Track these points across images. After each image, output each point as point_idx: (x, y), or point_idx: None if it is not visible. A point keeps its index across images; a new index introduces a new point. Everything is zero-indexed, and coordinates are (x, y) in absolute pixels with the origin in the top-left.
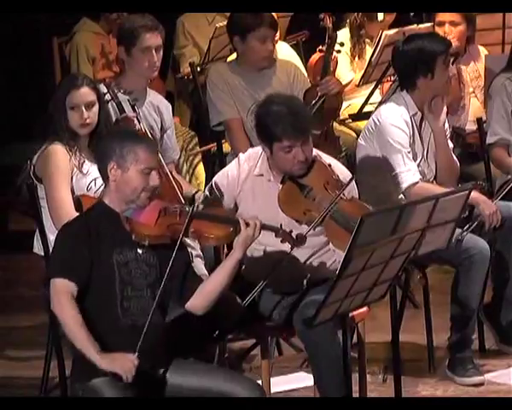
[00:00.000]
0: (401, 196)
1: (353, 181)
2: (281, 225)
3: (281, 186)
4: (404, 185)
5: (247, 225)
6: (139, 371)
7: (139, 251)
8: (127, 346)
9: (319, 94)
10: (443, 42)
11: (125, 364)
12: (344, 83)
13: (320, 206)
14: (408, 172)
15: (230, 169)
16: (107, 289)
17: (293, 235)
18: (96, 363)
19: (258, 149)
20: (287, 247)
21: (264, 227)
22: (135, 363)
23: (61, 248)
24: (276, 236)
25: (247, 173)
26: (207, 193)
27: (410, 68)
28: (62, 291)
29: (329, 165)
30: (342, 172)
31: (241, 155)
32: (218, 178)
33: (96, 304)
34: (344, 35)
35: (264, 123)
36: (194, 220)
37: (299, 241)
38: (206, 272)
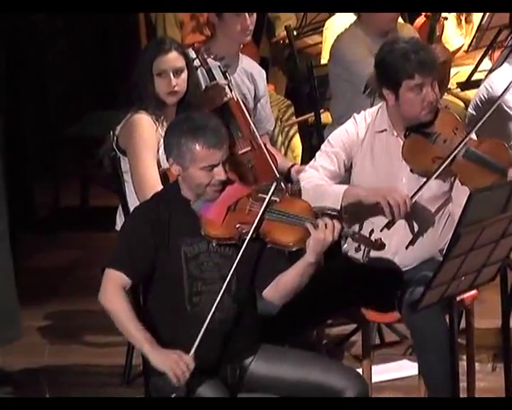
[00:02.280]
0: None
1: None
2: (359, 227)
3: (404, 141)
4: None
5: (316, 226)
6: (221, 363)
7: (212, 242)
8: (212, 338)
9: None
10: None
11: (177, 367)
12: (452, 49)
13: (451, 149)
14: None
15: (349, 128)
16: (173, 283)
17: (372, 239)
18: (149, 358)
19: (374, 109)
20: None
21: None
22: (190, 367)
23: (123, 237)
24: (352, 240)
25: (365, 131)
26: (327, 150)
27: None
28: (113, 282)
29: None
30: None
31: (355, 114)
32: (336, 137)
33: (163, 297)
34: None
35: (391, 62)
36: (266, 221)
37: (379, 246)
38: None
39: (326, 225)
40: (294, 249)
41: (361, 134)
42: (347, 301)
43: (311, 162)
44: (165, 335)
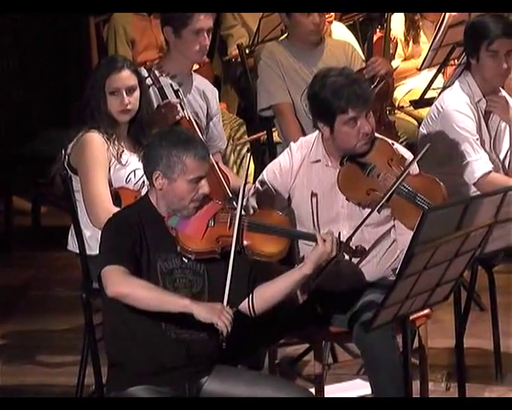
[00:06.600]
0: (472, 187)
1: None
2: (339, 235)
3: (339, 169)
4: (477, 175)
5: (325, 240)
6: (180, 382)
7: (185, 259)
8: (175, 357)
9: (366, 76)
10: (494, 30)
11: (223, 315)
12: None
13: (385, 183)
14: (480, 161)
15: (282, 159)
16: None
17: (353, 246)
18: (194, 312)
19: (311, 137)
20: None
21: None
22: (231, 314)
23: (107, 240)
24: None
25: (300, 162)
26: (258, 186)
27: (473, 40)
28: (116, 272)
29: (392, 143)
30: (405, 151)
31: (292, 144)
32: (269, 169)
33: (137, 311)
34: (399, 19)
35: (323, 97)
36: (246, 233)
37: (359, 253)
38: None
39: (332, 238)
40: (274, 260)
41: (295, 166)
42: (300, 321)
43: (246, 201)
44: (139, 348)
